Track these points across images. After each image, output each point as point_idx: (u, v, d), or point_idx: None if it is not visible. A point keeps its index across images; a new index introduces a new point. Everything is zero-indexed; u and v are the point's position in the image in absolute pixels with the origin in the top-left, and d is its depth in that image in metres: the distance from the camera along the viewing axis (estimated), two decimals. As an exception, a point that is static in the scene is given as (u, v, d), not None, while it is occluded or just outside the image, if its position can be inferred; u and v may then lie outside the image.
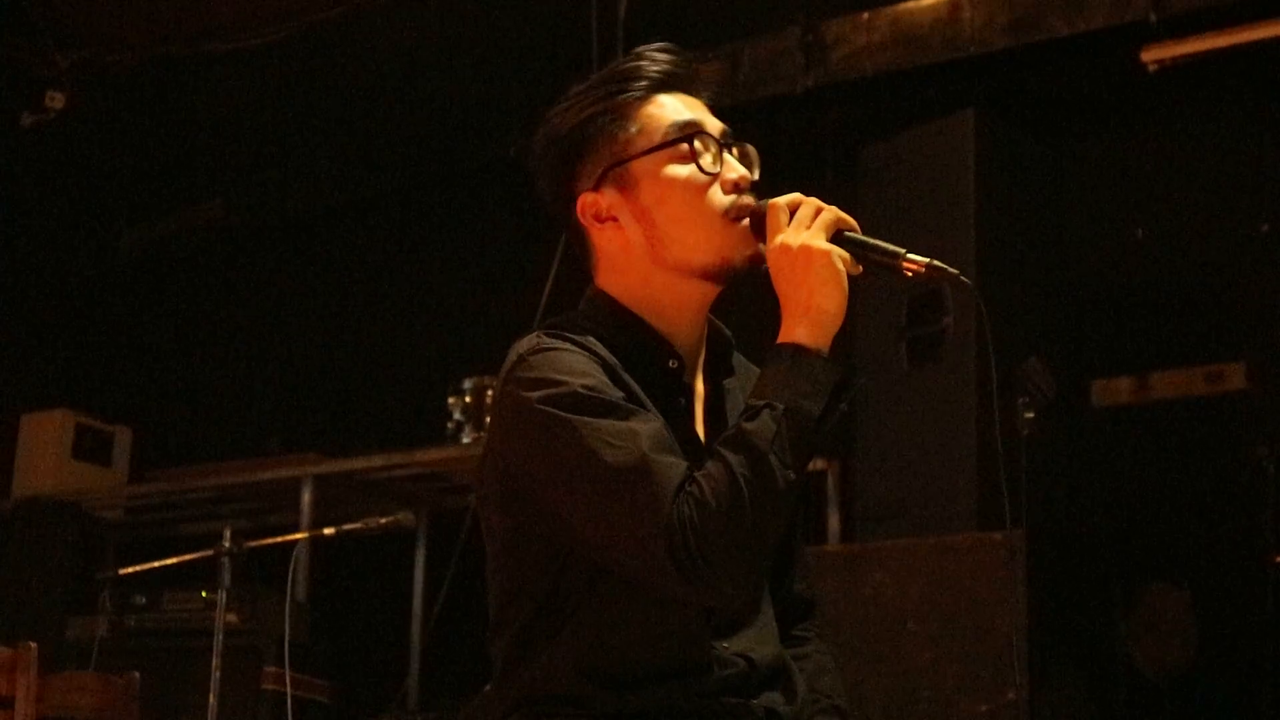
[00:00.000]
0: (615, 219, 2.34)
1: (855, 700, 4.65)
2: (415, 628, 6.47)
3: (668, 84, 2.37)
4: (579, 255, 2.44)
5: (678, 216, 2.30)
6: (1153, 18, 5.55)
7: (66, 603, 6.27)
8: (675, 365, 2.33)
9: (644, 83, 2.35)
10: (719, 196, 2.31)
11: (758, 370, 2.31)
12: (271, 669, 5.38)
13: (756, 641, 2.30)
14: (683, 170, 2.32)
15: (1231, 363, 5.63)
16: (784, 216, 2.25)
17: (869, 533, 5.36)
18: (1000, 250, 5.39)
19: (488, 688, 4.89)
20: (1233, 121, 5.86)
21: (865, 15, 6.08)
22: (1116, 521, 5.59)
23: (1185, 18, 5.56)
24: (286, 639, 4.82)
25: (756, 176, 2.37)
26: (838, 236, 2.25)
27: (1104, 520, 5.58)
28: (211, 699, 4.35)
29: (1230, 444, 5.52)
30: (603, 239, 2.36)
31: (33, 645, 3.82)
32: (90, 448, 7.16)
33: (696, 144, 2.32)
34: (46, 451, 7.06)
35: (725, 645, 2.25)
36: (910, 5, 6.02)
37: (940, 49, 5.94)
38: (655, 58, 2.38)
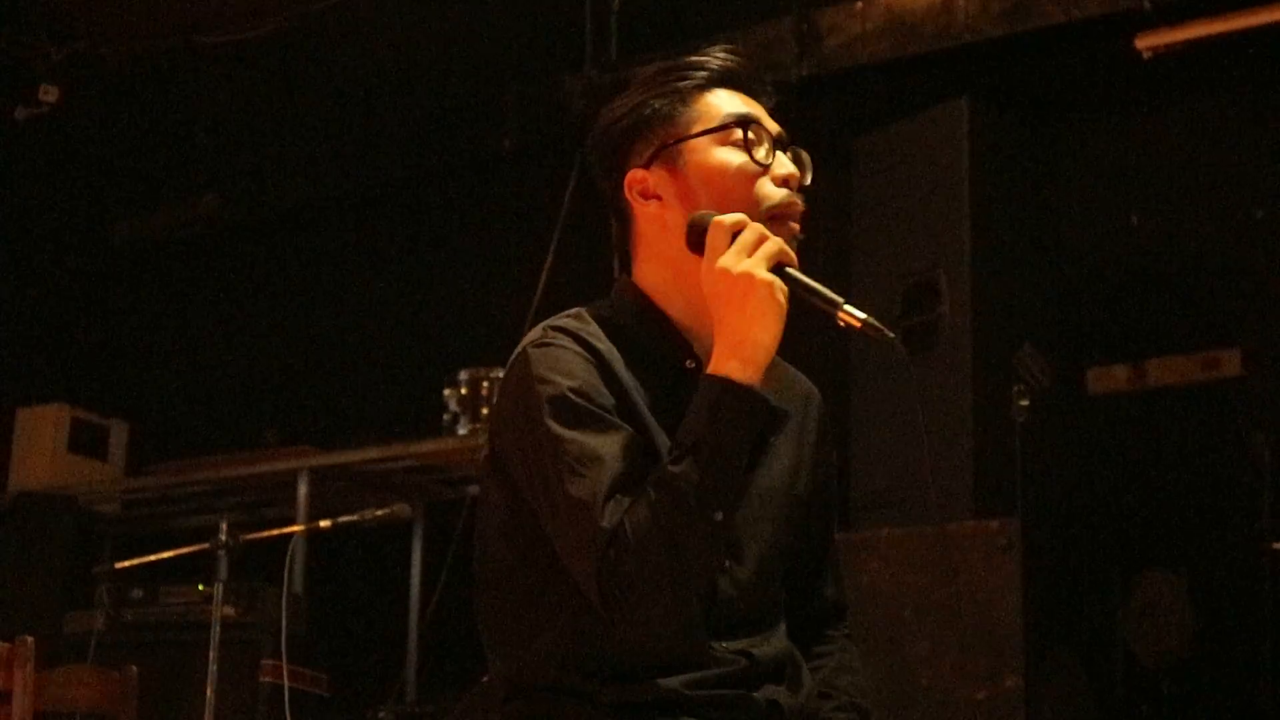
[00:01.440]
0: (660, 198, 2.34)
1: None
2: (412, 619, 6.47)
3: (730, 80, 2.37)
4: (617, 240, 2.43)
5: (722, 199, 2.29)
6: (1147, 5, 5.54)
7: (63, 597, 6.26)
8: (692, 366, 2.32)
9: (706, 73, 2.36)
10: (768, 188, 2.30)
11: (792, 371, 2.41)
12: (269, 661, 5.38)
13: (759, 641, 2.30)
14: (734, 157, 2.31)
15: (1227, 349, 5.63)
16: (725, 238, 2.21)
17: (866, 521, 5.36)
18: (995, 238, 5.39)
19: (485, 679, 4.89)
20: (1227, 108, 5.86)
21: (859, 4, 6.08)
22: (1113, 509, 5.60)
23: (1180, 4, 5.56)
24: (284, 631, 4.82)
25: (809, 182, 2.36)
26: (779, 270, 2.20)
27: (1100, 508, 5.58)
28: (209, 692, 4.35)
29: (1226, 431, 5.52)
30: (645, 217, 2.36)
31: (30, 639, 3.81)
32: (86, 441, 7.16)
33: (751, 134, 2.32)
34: (42, 445, 7.06)
35: (724, 644, 2.26)
36: (904, -7, 6.02)
37: (934, 37, 5.94)
38: (720, 55, 2.39)
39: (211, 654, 4.40)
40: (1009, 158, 5.58)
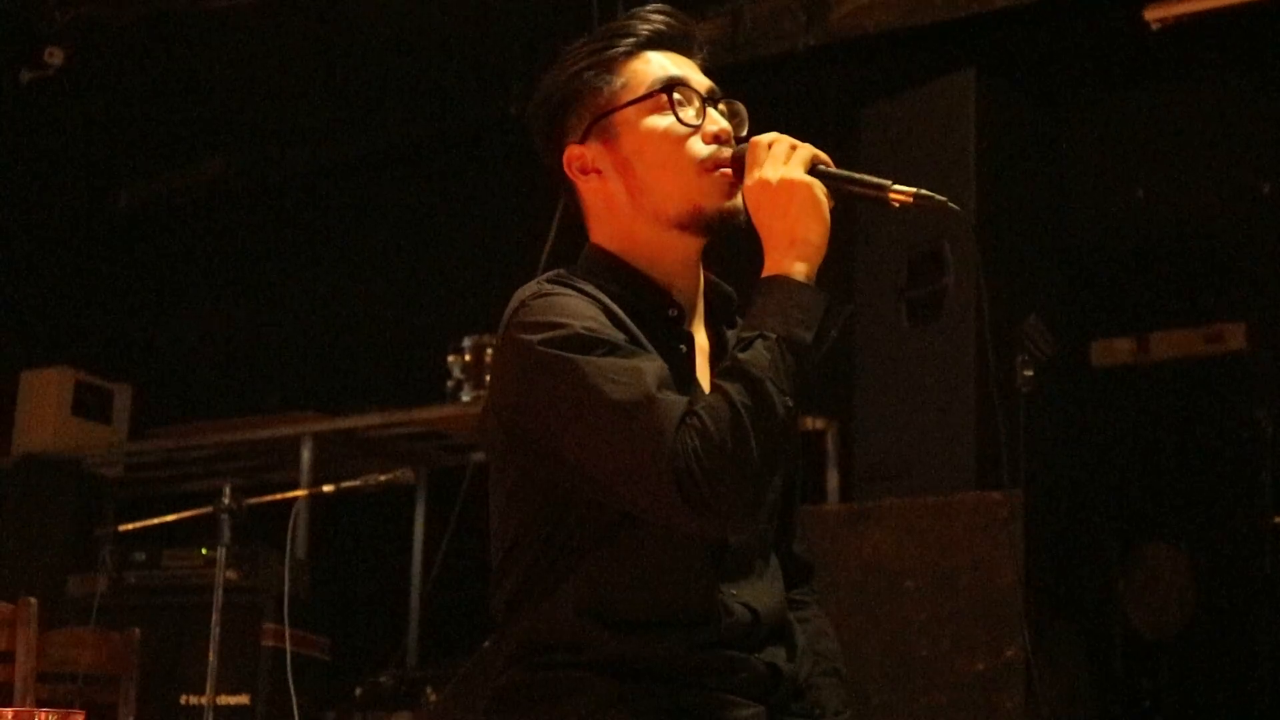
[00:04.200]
0: (599, 171, 2.37)
1: (854, 659, 4.67)
2: (414, 585, 6.49)
3: (657, 42, 2.39)
4: (571, 210, 2.45)
5: (655, 165, 2.33)
6: (1156, -24, 5.53)
7: (66, 559, 6.27)
8: (675, 314, 2.35)
9: (632, 39, 2.38)
10: (698, 146, 2.33)
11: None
12: (271, 625, 5.39)
13: (761, 592, 2.31)
14: (662, 121, 2.34)
15: (1231, 323, 5.64)
16: (762, 153, 2.27)
17: (868, 492, 5.36)
18: (1001, 210, 5.38)
19: (487, 644, 4.90)
20: (1235, 81, 5.85)
21: (867, -26, 6.06)
22: (1115, 481, 5.60)
23: (1188, -24, 5.54)
24: (286, 596, 4.83)
25: (745, 133, 2.38)
26: (816, 170, 2.26)
27: (1102, 480, 5.59)
28: (211, 655, 4.36)
29: (1229, 405, 5.53)
30: (588, 191, 2.39)
31: (33, 601, 3.82)
32: (90, 405, 7.17)
33: (677, 95, 2.34)
34: (46, 408, 7.06)
35: (733, 591, 2.26)
36: (912, -37, 6.00)
37: (942, 8, 5.92)
38: (648, 17, 2.40)
39: (214, 617, 4.41)
40: (1016, 129, 5.57)
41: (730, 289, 2.48)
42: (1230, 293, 5.71)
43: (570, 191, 2.43)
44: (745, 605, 2.27)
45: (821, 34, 6.13)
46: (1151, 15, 5.61)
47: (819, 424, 5.80)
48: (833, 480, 5.86)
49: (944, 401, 5.22)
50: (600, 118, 2.36)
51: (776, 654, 2.31)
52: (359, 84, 7.34)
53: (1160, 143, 5.89)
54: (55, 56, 6.70)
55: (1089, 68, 6.09)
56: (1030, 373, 4.61)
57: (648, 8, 2.42)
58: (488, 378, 5.81)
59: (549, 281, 2.30)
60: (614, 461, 2.13)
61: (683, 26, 2.42)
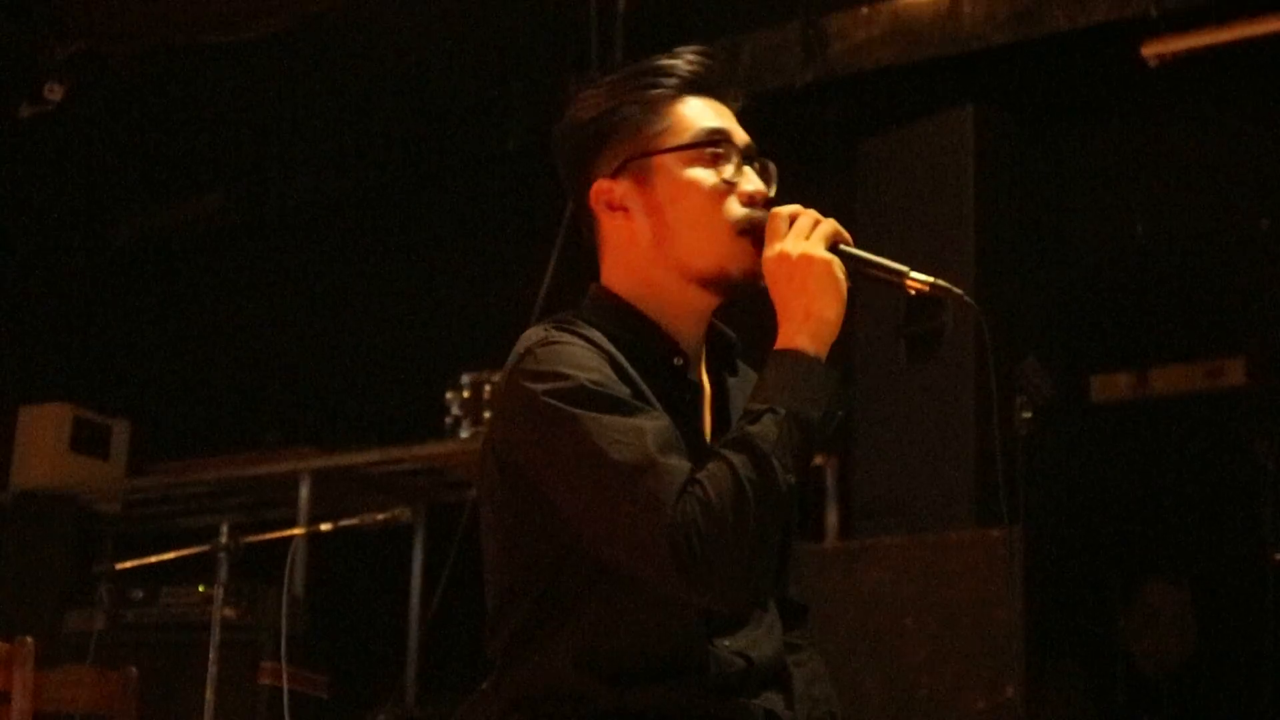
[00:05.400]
0: (626, 209, 2.34)
1: (854, 697, 4.66)
2: (413, 623, 6.46)
3: (699, 86, 2.36)
4: (585, 242, 2.43)
5: (689, 219, 2.30)
6: (1154, 12, 5.54)
7: (64, 596, 6.24)
8: (680, 362, 2.33)
9: (676, 80, 2.35)
10: (734, 207, 2.30)
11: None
12: (269, 664, 5.36)
13: (759, 640, 2.30)
14: (703, 174, 2.31)
15: (1231, 358, 5.63)
16: (783, 225, 2.25)
17: (868, 529, 5.35)
18: (999, 245, 5.39)
19: (484, 685, 4.88)
20: (1233, 117, 5.85)
21: (865, 9, 6.07)
22: (1115, 518, 5.59)
23: (1186, 12, 5.55)
24: (284, 633, 4.81)
25: (773, 194, 2.36)
26: (836, 249, 2.25)
27: (1103, 517, 5.57)
28: (209, 693, 4.34)
29: (1230, 440, 5.51)
30: (611, 227, 2.36)
31: (29, 639, 3.80)
32: (88, 441, 7.15)
33: (721, 151, 2.32)
34: (45, 444, 7.05)
35: (726, 643, 2.25)
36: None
37: (940, 43, 5.94)
38: (690, 59, 2.36)
39: (211, 655, 4.39)
40: (1014, 164, 5.57)
41: (733, 335, 2.46)
42: (1230, 327, 5.71)
43: (588, 223, 2.40)
44: (740, 654, 2.25)
45: (820, 69, 6.15)
46: (1149, 51, 5.63)
47: (818, 460, 5.79)
48: (832, 516, 5.85)
49: (943, 438, 5.22)
50: (637, 157, 2.33)
51: (774, 700, 2.29)
52: (357, 118, 7.36)
53: (1158, 178, 5.90)
54: (55, 92, 6.70)
55: (1087, 103, 6.10)
56: (1029, 414, 4.60)
57: (688, 50, 2.39)
58: (487, 414, 5.81)
59: (555, 327, 2.27)
60: (611, 524, 2.11)
61: (723, 73, 2.39)
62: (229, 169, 7.77)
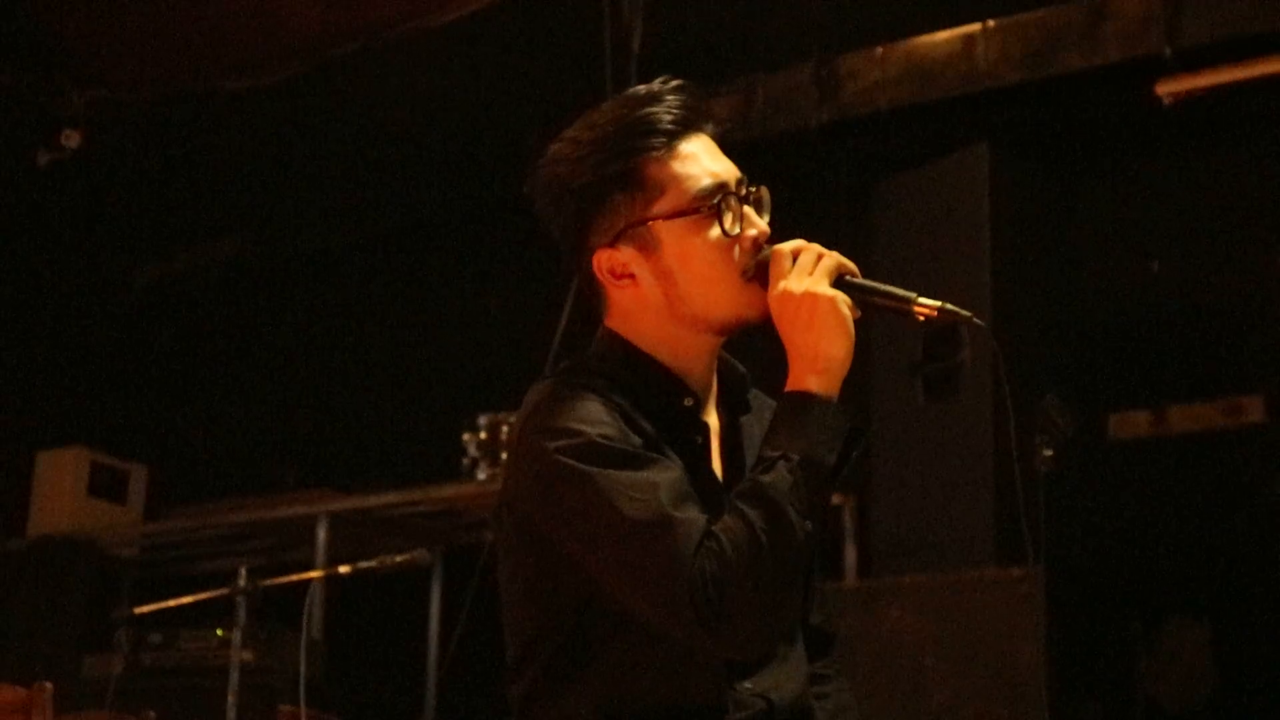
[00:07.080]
0: (633, 276, 2.30)
1: (874, 738, 4.62)
2: (431, 665, 6.45)
3: (683, 127, 2.30)
4: (589, 300, 2.41)
5: (701, 278, 2.27)
6: (1167, 51, 5.54)
7: (82, 641, 6.25)
8: (691, 404, 2.32)
9: (662, 137, 2.29)
10: (739, 257, 2.28)
11: (774, 403, 2.28)
12: (287, 707, 5.33)
13: (781, 679, 2.29)
14: (708, 234, 2.27)
15: (1249, 396, 5.62)
16: (787, 263, 2.24)
17: (886, 568, 5.33)
18: (1015, 284, 5.38)
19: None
20: (1248, 155, 5.86)
21: (879, 50, 6.08)
22: (1135, 556, 5.57)
23: (1200, 51, 5.55)
24: (302, 677, 4.79)
25: (768, 219, 2.34)
26: (841, 282, 2.23)
27: (1122, 555, 5.55)
28: (227, 737, 4.34)
29: (1249, 477, 5.50)
30: (619, 295, 2.33)
31: (48, 685, 3.80)
32: (106, 485, 7.16)
33: (720, 201, 2.27)
34: (62, 489, 7.05)
35: (747, 685, 2.24)
36: (924, 39, 6.02)
37: (954, 83, 5.94)
38: (671, 102, 2.31)
39: (230, 699, 4.39)
40: (1029, 203, 5.57)
41: (742, 369, 2.45)
42: (1247, 365, 5.70)
43: (592, 287, 2.36)
44: (761, 695, 2.24)
45: (834, 110, 6.15)
46: (1164, 90, 5.63)
47: (836, 499, 5.77)
48: (850, 555, 5.83)
49: (962, 476, 5.20)
50: (636, 224, 2.28)
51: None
52: (373, 163, 7.38)
53: (1174, 216, 5.90)
54: (72, 139, 6.74)
55: (1103, 142, 6.10)
56: (1050, 452, 4.59)
57: (666, 89, 2.33)
58: (504, 455, 5.80)
59: (563, 378, 2.27)
60: (630, 580, 2.12)
61: (701, 101, 2.35)
62: (246, 214, 7.79)
